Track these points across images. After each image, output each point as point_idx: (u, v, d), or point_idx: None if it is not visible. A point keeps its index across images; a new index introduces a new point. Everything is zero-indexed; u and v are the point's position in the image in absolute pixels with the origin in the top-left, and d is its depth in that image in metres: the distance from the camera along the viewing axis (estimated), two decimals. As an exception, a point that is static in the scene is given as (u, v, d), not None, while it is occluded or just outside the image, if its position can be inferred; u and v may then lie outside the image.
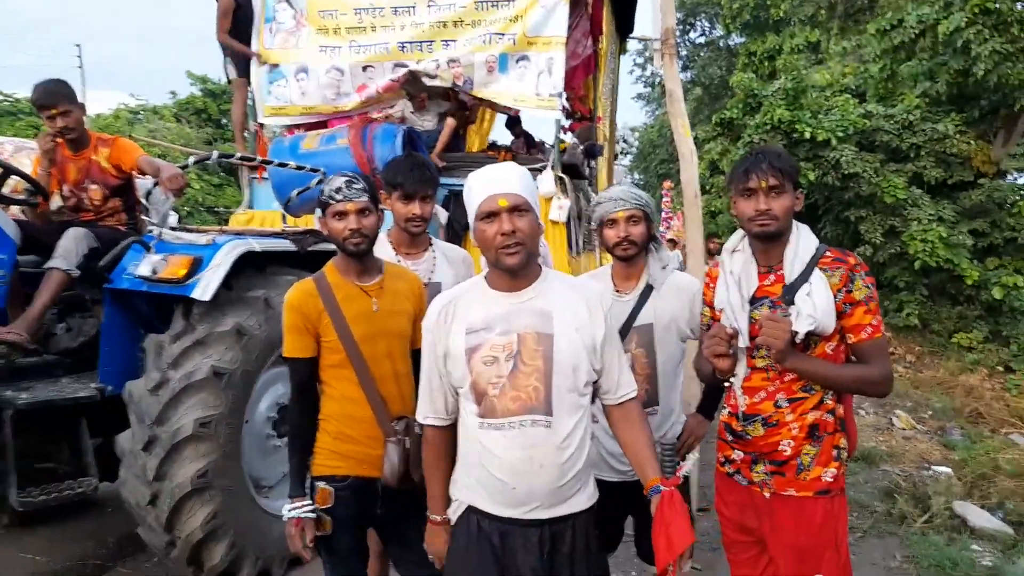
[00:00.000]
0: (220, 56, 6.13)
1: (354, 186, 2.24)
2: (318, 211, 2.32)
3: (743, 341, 2.10)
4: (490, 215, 1.81)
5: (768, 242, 2.11)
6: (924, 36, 11.70)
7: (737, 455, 2.23)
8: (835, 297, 2.01)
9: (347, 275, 2.29)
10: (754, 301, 2.12)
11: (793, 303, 2.03)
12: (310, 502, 2.19)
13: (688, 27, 27.54)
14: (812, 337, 2.03)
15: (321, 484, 2.22)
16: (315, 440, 2.26)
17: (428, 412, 1.98)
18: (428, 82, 5.29)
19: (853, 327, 2.04)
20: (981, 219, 11.51)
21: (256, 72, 5.75)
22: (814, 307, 1.99)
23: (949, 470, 6.17)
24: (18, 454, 3.04)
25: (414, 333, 2.30)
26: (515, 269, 1.83)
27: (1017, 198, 11.51)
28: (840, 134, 11.44)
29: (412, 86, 5.37)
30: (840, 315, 2.03)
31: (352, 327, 2.21)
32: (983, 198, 11.49)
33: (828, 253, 2.08)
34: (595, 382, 1.94)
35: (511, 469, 1.82)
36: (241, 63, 5.99)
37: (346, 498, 2.22)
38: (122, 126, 23.74)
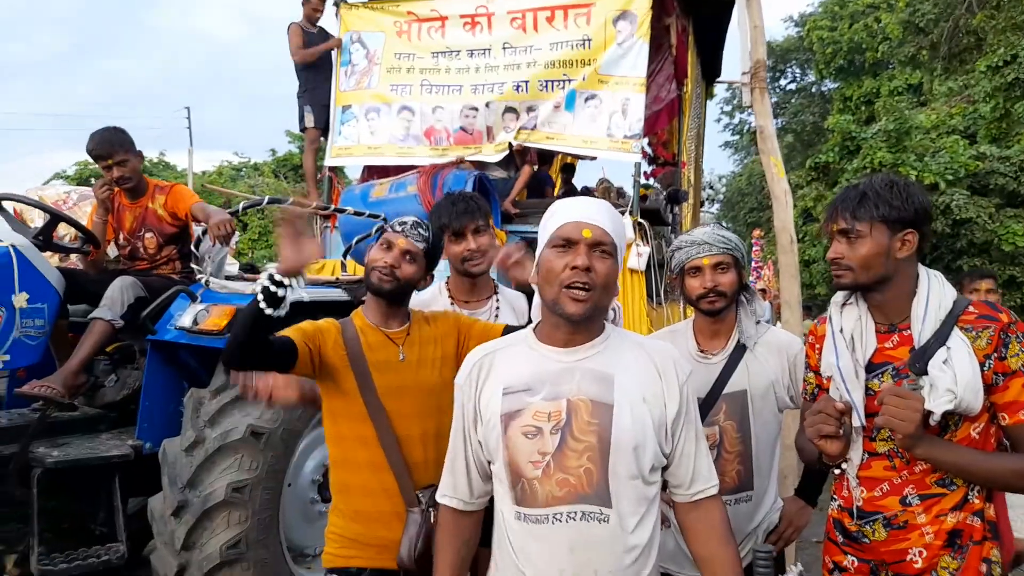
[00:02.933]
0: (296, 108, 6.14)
1: (419, 229, 2.06)
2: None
3: (858, 419, 1.66)
4: (566, 243, 1.46)
5: (871, 294, 1.69)
6: (1042, 72, 10.88)
7: (851, 562, 1.76)
8: (982, 366, 1.56)
9: (372, 319, 2.02)
10: (872, 368, 1.69)
11: (925, 372, 1.58)
12: None
13: (779, 74, 26.86)
14: (951, 417, 1.58)
15: None
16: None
17: (447, 490, 1.63)
18: (492, 155, 5.08)
19: (1008, 405, 1.57)
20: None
21: (332, 115, 5.70)
22: (955, 379, 1.53)
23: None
24: (49, 515, 2.85)
25: None
26: (577, 319, 1.45)
27: None
28: (949, 177, 10.64)
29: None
30: (990, 389, 1.57)
31: (375, 377, 1.92)
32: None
33: (971, 308, 1.64)
34: (664, 468, 1.54)
35: None
36: (320, 113, 5.96)
37: None
38: (224, 182, 25.06)
